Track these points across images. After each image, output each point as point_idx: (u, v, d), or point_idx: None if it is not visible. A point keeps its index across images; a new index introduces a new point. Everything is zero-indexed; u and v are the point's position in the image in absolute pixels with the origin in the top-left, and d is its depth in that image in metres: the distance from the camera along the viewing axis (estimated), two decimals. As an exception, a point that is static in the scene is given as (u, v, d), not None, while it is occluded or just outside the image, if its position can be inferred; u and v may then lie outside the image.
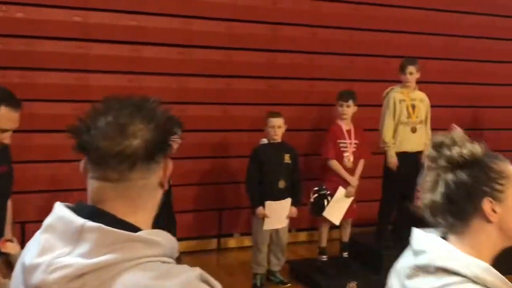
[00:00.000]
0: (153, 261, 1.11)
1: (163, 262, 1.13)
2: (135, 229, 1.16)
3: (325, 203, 5.15)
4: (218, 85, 5.81)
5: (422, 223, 5.59)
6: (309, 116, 6.14)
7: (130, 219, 1.18)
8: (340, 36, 6.25)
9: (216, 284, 1.15)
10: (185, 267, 1.14)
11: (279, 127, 4.89)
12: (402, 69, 5.29)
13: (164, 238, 1.15)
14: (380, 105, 5.43)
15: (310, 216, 5.68)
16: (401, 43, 6.43)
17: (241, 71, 5.88)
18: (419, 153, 5.29)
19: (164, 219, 3.82)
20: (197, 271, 1.13)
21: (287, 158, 4.96)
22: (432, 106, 5.60)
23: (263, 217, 4.84)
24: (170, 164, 1.26)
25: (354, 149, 5.22)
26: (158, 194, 1.26)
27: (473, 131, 6.99)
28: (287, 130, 5.15)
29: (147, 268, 1.10)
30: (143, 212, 1.22)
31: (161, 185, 1.25)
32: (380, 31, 6.42)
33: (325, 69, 6.19)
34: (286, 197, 4.93)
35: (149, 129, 1.19)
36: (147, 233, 1.15)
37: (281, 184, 4.86)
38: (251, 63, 5.91)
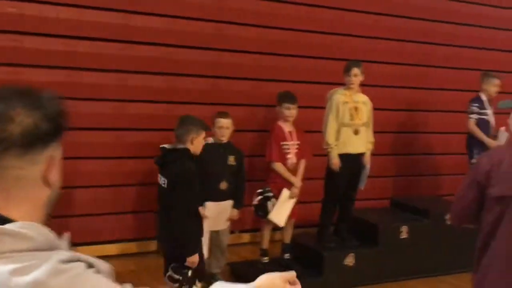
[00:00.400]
0: (20, 255, 1.04)
1: (33, 255, 1.06)
2: (6, 221, 1.09)
3: (269, 205, 5.11)
4: (160, 83, 5.69)
5: (364, 223, 5.51)
6: (254, 117, 6.10)
7: (2, 212, 1.12)
8: (286, 37, 6.23)
9: (89, 258, 1.09)
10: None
11: (227, 128, 4.82)
12: (347, 70, 5.31)
13: (36, 231, 1.08)
14: (323, 107, 5.43)
15: (254, 217, 5.64)
16: (346, 45, 6.48)
17: (185, 69, 5.77)
18: (361, 154, 5.35)
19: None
20: (60, 255, 1.06)
21: (231, 160, 4.89)
22: (376, 109, 5.67)
23: (203, 218, 4.75)
24: (58, 159, 1.20)
25: (296, 150, 5.21)
26: (43, 191, 1.18)
27: (414, 134, 7.14)
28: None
29: (10, 262, 1.03)
30: (19, 206, 1.15)
31: (45, 180, 1.17)
32: (326, 34, 6.44)
33: (271, 70, 6.16)
34: (228, 199, 4.85)
35: (30, 116, 1.13)
36: (16, 226, 1.08)
37: (223, 185, 4.78)
38: (196, 61, 5.81)
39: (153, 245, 5.68)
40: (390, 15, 6.82)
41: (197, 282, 3.77)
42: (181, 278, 3.72)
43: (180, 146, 3.84)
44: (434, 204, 6.26)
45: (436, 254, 5.63)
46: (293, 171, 5.24)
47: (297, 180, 5.21)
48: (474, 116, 6.14)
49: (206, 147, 4.78)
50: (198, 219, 4.00)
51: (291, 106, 5.18)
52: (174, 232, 3.69)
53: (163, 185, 3.84)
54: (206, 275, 4.13)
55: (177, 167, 3.74)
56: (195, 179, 3.77)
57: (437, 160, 7.34)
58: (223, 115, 4.82)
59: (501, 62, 7.45)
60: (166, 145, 4.01)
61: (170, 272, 3.76)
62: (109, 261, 1.17)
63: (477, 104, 6.20)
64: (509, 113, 2.76)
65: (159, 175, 3.93)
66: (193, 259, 3.74)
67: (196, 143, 3.88)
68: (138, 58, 5.54)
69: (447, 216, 5.69)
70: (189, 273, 3.71)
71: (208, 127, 4.12)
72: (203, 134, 3.94)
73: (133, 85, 5.55)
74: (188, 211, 3.76)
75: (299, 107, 5.31)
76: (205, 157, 4.71)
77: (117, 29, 5.43)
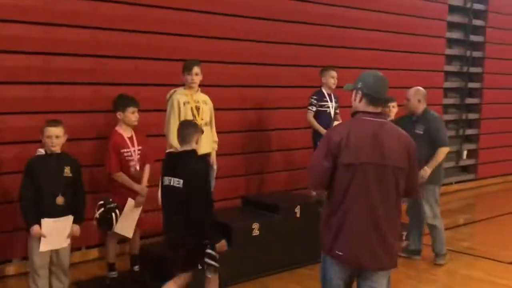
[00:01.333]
0: None
1: None
2: None
3: (114, 217, 4.81)
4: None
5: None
6: (93, 124, 5.74)
7: None
8: (123, 39, 5.94)
9: None
10: None
11: (57, 137, 4.41)
12: (187, 69, 5.18)
13: None
14: (164, 110, 5.24)
15: (100, 231, 5.29)
16: (184, 46, 6.32)
17: (12, 76, 5.27)
18: (206, 155, 5.24)
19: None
20: None
21: (67, 171, 4.50)
22: (222, 110, 5.62)
23: (40, 237, 4.34)
24: None
25: (139, 156, 4.97)
26: None
27: (260, 132, 7.19)
28: (68, 139, 4.71)
29: None
30: None
31: None
32: (165, 34, 6.25)
33: (109, 73, 5.84)
34: (66, 214, 4.46)
35: None
36: None
37: (60, 200, 4.38)
38: (23, 67, 5.33)
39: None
40: (229, 15, 6.79)
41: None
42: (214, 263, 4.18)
43: (187, 148, 4.12)
44: (284, 199, 6.34)
45: (289, 248, 5.68)
46: (138, 179, 5.00)
47: (142, 188, 4.98)
48: (312, 108, 6.42)
49: (37, 160, 4.40)
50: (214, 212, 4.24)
51: (135, 110, 4.95)
52: (198, 225, 4.00)
53: (177, 186, 4.05)
54: None
55: (193, 168, 4.04)
56: (208, 176, 4.21)
57: (287, 155, 7.47)
58: (52, 123, 4.42)
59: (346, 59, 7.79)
60: (172, 150, 4.42)
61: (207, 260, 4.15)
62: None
63: (315, 97, 6.44)
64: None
65: (169, 178, 4.12)
66: (222, 244, 4.21)
67: (199, 143, 4.23)
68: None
69: (297, 209, 5.82)
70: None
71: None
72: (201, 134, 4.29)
73: None
74: (209, 204, 4.12)
75: (139, 111, 5.09)
76: (36, 171, 4.33)
77: None
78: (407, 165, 3.26)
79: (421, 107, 5.94)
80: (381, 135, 3.21)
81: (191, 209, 3.98)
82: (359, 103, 3.34)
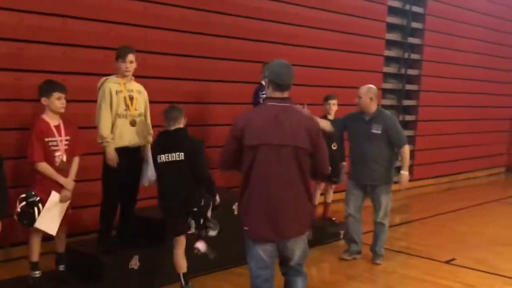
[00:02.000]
0: None
1: None
2: None
3: (36, 211, 4.46)
4: None
5: (150, 221, 5.10)
6: (17, 113, 5.35)
7: None
8: (52, 24, 5.58)
9: None
10: None
11: None
12: (122, 56, 4.87)
13: None
14: (95, 101, 4.94)
15: (24, 228, 4.91)
16: (120, 34, 6.01)
17: None
18: (139, 147, 4.97)
19: None
20: None
21: None
22: (157, 102, 5.36)
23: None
24: None
25: (66, 147, 4.63)
26: None
27: (199, 127, 6.95)
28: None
29: None
30: None
31: None
32: (97, 21, 5.92)
33: (35, 60, 5.46)
34: (-15, 208, 4.10)
35: None
36: None
37: (-23, 193, 4.02)
38: None
39: None
40: (163, 4, 6.54)
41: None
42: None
43: (179, 126, 4.70)
44: (221, 196, 6.09)
45: (225, 246, 5.46)
46: (65, 172, 4.65)
47: (67, 181, 4.63)
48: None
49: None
50: None
51: (62, 95, 4.61)
52: (209, 183, 4.69)
53: (178, 159, 4.60)
54: None
55: (191, 141, 4.69)
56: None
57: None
58: None
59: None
60: (164, 130, 4.74)
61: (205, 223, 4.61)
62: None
63: (264, 92, 6.21)
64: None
65: (166, 154, 4.62)
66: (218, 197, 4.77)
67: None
68: None
69: (234, 206, 5.63)
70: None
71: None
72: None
73: None
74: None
75: (69, 101, 4.75)
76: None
77: None
78: (308, 145, 3.55)
79: (373, 105, 5.88)
80: (282, 118, 3.51)
81: (199, 172, 4.61)
82: (267, 89, 3.65)
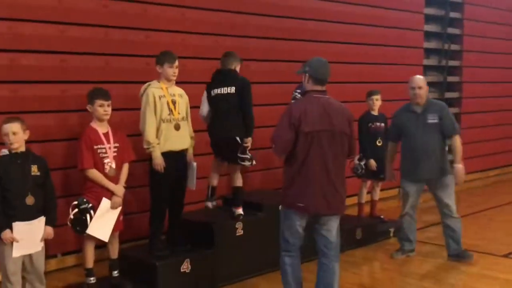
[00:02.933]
0: None
1: None
2: None
3: (88, 218, 4.52)
4: None
5: (198, 224, 5.17)
6: (64, 124, 5.43)
7: None
8: (93, 35, 5.66)
9: None
10: None
11: (14, 133, 4.08)
12: (169, 61, 4.92)
13: None
14: (139, 108, 4.98)
15: (77, 236, 4.99)
16: (157, 41, 6.04)
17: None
18: (183, 151, 5.00)
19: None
20: None
21: (34, 170, 4.19)
22: (197, 107, 5.39)
23: (12, 241, 4.03)
24: None
25: (115, 154, 4.68)
26: None
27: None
28: (39, 141, 4.42)
29: None
30: None
31: None
32: (136, 29, 5.98)
33: (79, 70, 5.54)
34: (38, 216, 4.16)
35: None
36: None
37: (29, 200, 4.08)
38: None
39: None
40: (200, 9, 6.56)
41: None
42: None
43: (231, 67, 5.39)
44: (265, 197, 6.08)
45: (275, 247, 5.43)
46: (115, 178, 4.71)
47: (118, 188, 4.69)
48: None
49: (2, 160, 4.10)
50: None
51: (105, 102, 4.67)
52: (249, 120, 5.30)
53: (230, 92, 5.23)
54: None
55: (241, 79, 5.33)
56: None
57: (263, 154, 7.16)
58: (9, 120, 4.11)
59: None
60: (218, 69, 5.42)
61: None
62: None
63: (299, 90, 6.19)
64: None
65: (219, 88, 5.27)
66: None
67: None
68: None
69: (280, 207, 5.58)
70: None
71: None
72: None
73: None
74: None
75: (113, 109, 4.81)
76: (1, 172, 4.03)
77: None
78: (348, 130, 4.17)
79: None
80: (329, 108, 4.10)
81: (245, 109, 5.23)
82: (307, 83, 4.19)
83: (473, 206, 8.55)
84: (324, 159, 4.04)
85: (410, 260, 5.94)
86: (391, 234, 6.76)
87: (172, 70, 4.93)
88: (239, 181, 5.42)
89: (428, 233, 6.85)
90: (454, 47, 10.29)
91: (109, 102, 4.71)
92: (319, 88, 4.15)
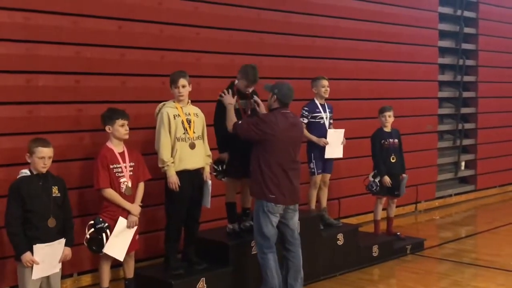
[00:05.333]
0: None
1: None
2: None
3: (104, 237, 4.54)
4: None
5: (213, 243, 5.14)
6: (79, 144, 5.47)
7: None
8: (109, 56, 5.72)
9: None
10: None
11: (50, 157, 4.16)
12: (174, 82, 4.97)
13: None
14: (154, 127, 5.01)
15: (92, 255, 5.01)
16: (172, 61, 6.08)
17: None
18: (199, 169, 5.00)
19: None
20: None
21: (55, 191, 4.22)
22: (212, 125, 5.41)
23: (33, 264, 4.03)
24: None
25: (131, 173, 4.71)
26: None
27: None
28: (54, 161, 4.42)
29: None
30: None
31: None
32: (151, 49, 6.04)
33: (94, 90, 5.60)
34: (58, 237, 4.16)
35: None
36: None
37: (51, 222, 4.10)
38: (4, 87, 5.08)
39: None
40: (214, 28, 6.61)
41: None
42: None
43: None
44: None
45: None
46: (131, 197, 4.73)
47: (134, 207, 4.71)
48: (304, 120, 6.13)
49: (24, 181, 4.12)
50: None
51: (125, 122, 4.73)
52: None
53: None
54: None
55: None
56: None
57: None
58: (45, 143, 4.16)
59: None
60: None
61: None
62: None
63: (307, 108, 6.24)
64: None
65: None
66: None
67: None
68: None
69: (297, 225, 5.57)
70: None
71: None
72: None
73: None
74: None
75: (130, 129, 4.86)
76: (24, 193, 4.05)
77: None
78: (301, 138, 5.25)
79: None
80: (292, 122, 4.97)
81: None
82: (273, 102, 4.97)
83: (491, 222, 8.44)
84: (288, 158, 4.90)
85: (427, 277, 5.87)
86: (408, 251, 6.70)
87: (178, 90, 4.96)
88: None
89: (445, 250, 6.77)
90: (469, 62, 10.24)
91: (128, 121, 4.77)
92: (285, 109, 4.99)
